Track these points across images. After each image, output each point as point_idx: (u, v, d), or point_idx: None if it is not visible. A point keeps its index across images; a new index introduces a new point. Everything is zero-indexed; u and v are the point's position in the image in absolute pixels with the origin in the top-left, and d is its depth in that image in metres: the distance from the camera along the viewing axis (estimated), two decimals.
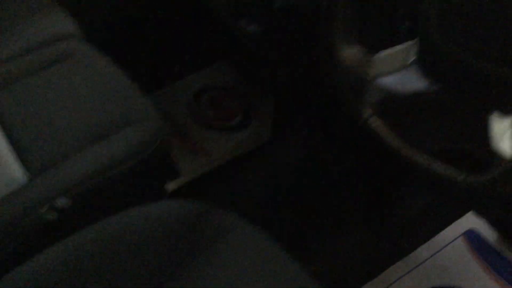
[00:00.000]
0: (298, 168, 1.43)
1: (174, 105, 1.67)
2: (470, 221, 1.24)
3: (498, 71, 0.45)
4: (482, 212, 1.08)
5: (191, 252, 0.72)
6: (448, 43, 0.48)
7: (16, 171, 0.84)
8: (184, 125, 1.62)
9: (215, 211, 0.76)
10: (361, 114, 0.54)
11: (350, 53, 0.56)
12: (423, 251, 1.22)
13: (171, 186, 1.37)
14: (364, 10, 0.58)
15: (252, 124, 1.62)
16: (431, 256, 1.21)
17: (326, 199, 1.32)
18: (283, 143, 1.51)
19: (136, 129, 0.94)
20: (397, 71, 0.53)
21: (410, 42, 0.53)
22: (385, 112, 0.54)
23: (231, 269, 0.71)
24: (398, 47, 0.54)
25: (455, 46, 0.47)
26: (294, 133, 1.57)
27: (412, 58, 0.52)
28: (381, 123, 0.54)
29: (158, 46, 1.68)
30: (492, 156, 0.46)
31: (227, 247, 0.73)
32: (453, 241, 1.23)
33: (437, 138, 0.53)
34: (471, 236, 1.23)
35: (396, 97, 0.54)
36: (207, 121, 1.64)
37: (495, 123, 0.47)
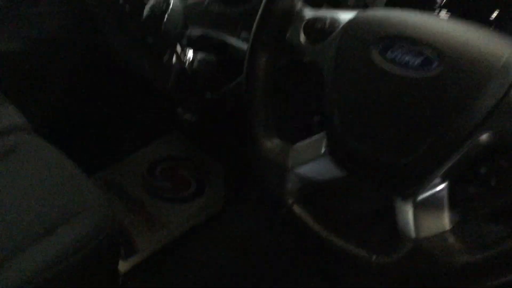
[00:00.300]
0: (252, 237, 1.46)
1: (128, 179, 1.68)
2: None
3: (393, 161, 0.50)
4: None
5: None
6: (350, 137, 0.53)
7: None
8: (139, 198, 1.64)
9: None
10: (284, 203, 0.59)
11: (270, 145, 0.61)
12: None
13: (126, 265, 1.38)
14: (281, 105, 0.64)
15: (206, 193, 1.65)
16: None
17: (278, 268, 1.35)
18: (237, 212, 1.54)
19: (84, 219, 0.96)
20: (313, 161, 0.58)
21: (321, 134, 0.58)
22: (306, 199, 0.59)
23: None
24: (312, 138, 0.59)
25: (355, 140, 0.53)
26: (246, 201, 1.61)
27: (324, 148, 0.57)
28: (302, 210, 0.58)
29: (109, 122, 1.71)
30: (398, 237, 0.51)
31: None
32: None
33: (351, 221, 0.58)
34: None
35: (314, 185, 0.59)
36: (161, 193, 1.66)
37: (397, 206, 0.52)
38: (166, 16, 0.74)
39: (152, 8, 0.76)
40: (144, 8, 1.02)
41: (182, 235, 1.52)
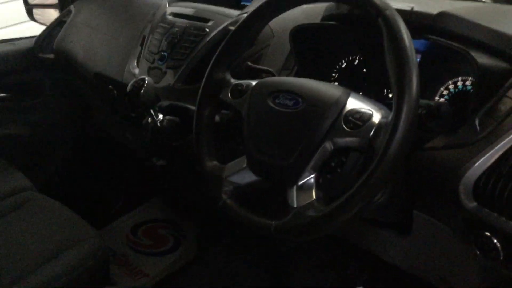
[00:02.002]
0: (221, 277, 1.73)
1: (115, 239, 1.96)
2: None
3: (281, 164, 0.83)
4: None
5: None
6: (258, 154, 0.86)
7: None
8: (124, 254, 1.91)
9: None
10: (221, 199, 0.90)
11: (211, 165, 0.94)
12: None
13: None
14: (218, 140, 0.97)
15: (181, 246, 1.93)
16: None
17: None
18: (208, 261, 1.82)
19: (80, 247, 1.24)
20: (239, 172, 0.91)
21: (243, 156, 0.91)
22: (235, 196, 0.90)
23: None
24: (238, 159, 0.92)
25: (261, 155, 0.86)
26: (216, 251, 1.89)
27: (245, 164, 0.90)
28: (233, 202, 0.89)
29: (99, 191, 2.02)
30: (287, 208, 0.82)
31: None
32: None
33: (262, 206, 0.90)
34: None
35: (240, 187, 0.90)
36: (143, 249, 1.94)
37: (287, 190, 0.84)
38: (142, 90, 1.09)
39: (133, 84, 1.11)
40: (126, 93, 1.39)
41: (160, 281, 1.78)
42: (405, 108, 0.71)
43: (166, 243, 1.96)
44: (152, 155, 1.23)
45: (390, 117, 0.74)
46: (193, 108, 1.16)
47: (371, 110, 0.78)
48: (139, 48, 1.42)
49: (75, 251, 1.22)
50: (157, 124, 1.14)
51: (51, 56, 1.76)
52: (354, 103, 0.81)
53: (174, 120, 1.18)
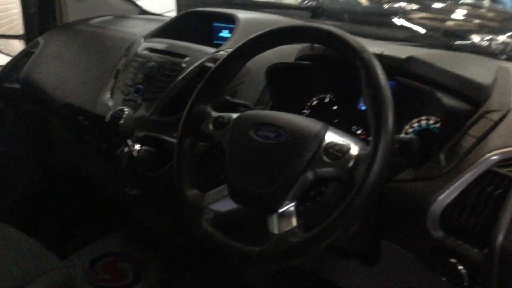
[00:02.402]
0: None
1: (75, 273, 1.91)
2: None
3: (263, 192, 0.87)
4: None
5: None
6: (240, 183, 0.90)
7: None
8: None
9: None
10: (201, 227, 0.93)
11: (191, 193, 0.97)
12: None
13: None
14: (198, 166, 1.01)
15: (142, 281, 1.90)
16: None
17: None
18: None
19: (46, 279, 1.21)
20: (220, 200, 0.94)
21: (224, 185, 0.94)
22: (216, 224, 0.93)
23: None
24: (219, 188, 0.95)
25: (243, 183, 0.90)
26: (179, 283, 1.87)
27: (226, 192, 0.93)
28: (214, 229, 0.92)
29: (61, 224, 1.98)
30: (268, 235, 0.86)
31: None
32: None
33: (243, 233, 0.93)
34: None
35: (221, 215, 0.94)
36: (103, 284, 1.90)
37: (268, 217, 0.88)
38: (122, 120, 1.12)
39: (113, 114, 1.13)
40: (98, 124, 1.40)
41: None
42: (382, 141, 0.78)
43: (125, 277, 1.92)
44: (126, 185, 1.24)
45: (368, 149, 0.80)
46: (169, 139, 1.20)
47: (349, 143, 0.84)
48: (113, 80, 1.44)
49: (40, 283, 1.19)
50: (133, 155, 1.16)
51: (17, 86, 1.75)
52: (332, 137, 0.86)
53: (151, 150, 1.20)
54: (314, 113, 1.20)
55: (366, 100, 0.82)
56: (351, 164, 0.81)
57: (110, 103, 1.37)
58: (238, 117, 0.96)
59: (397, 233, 0.99)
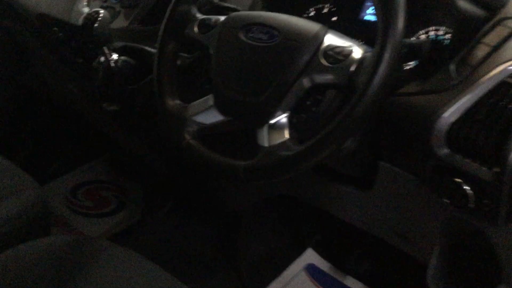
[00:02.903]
0: (167, 241, 1.66)
1: (53, 199, 1.84)
2: (309, 256, 1.55)
3: (253, 101, 0.78)
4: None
5: (69, 278, 0.91)
6: (227, 91, 0.80)
7: None
8: (62, 215, 1.79)
9: (86, 240, 0.97)
10: (183, 139, 0.84)
11: (173, 103, 0.87)
12: (273, 285, 1.48)
13: None
14: (183, 78, 0.90)
15: (125, 209, 1.84)
16: None
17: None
18: (152, 224, 1.74)
19: (15, 199, 1.13)
20: (205, 111, 0.85)
21: (210, 95, 0.85)
22: (199, 137, 0.84)
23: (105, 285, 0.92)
24: (204, 98, 0.86)
25: (230, 91, 0.80)
26: (162, 214, 1.82)
27: (212, 103, 0.84)
28: (197, 142, 0.83)
29: (37, 147, 1.88)
30: (257, 148, 0.77)
31: (100, 268, 0.94)
32: (296, 275, 1.51)
33: (229, 147, 0.84)
34: (311, 269, 1.53)
35: (205, 127, 0.85)
36: (83, 210, 1.83)
37: (257, 130, 0.79)
38: (97, 23, 1.00)
39: (86, 17, 1.01)
40: (73, 35, 1.28)
41: None
42: (390, 43, 0.68)
43: (108, 205, 1.86)
44: (104, 99, 1.13)
45: (373, 52, 0.70)
46: (150, 49, 1.09)
47: (351, 45, 0.74)
48: None
49: (14, 200, 1.11)
50: (110, 65, 1.05)
51: None
52: (332, 39, 0.76)
53: (130, 61, 1.09)
54: None
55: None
56: (352, 68, 0.72)
57: (86, 11, 1.25)
58: (226, 18, 0.85)
59: (397, 153, 0.91)
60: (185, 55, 1.05)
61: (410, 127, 0.83)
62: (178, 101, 0.88)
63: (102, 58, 1.06)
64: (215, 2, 0.98)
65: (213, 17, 0.88)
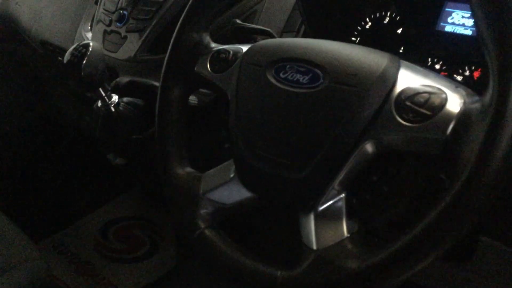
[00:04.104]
0: None
1: (79, 243, 1.64)
2: None
3: (292, 176, 0.52)
4: None
5: None
6: (253, 158, 0.55)
7: None
8: (90, 261, 1.59)
9: None
10: (196, 228, 0.59)
11: (182, 173, 0.62)
12: None
13: None
14: (193, 137, 0.66)
15: (159, 252, 1.62)
16: None
17: None
18: (189, 270, 1.51)
19: (19, 271, 0.93)
20: (223, 185, 0.59)
21: (230, 160, 0.59)
22: (217, 223, 0.59)
23: None
24: (221, 165, 0.60)
25: (258, 159, 0.54)
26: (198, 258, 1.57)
27: (233, 173, 0.58)
28: (215, 234, 0.58)
29: (58, 185, 1.69)
30: (301, 250, 0.51)
31: None
32: None
33: (259, 241, 0.58)
34: None
35: (225, 209, 0.59)
36: (114, 254, 1.62)
37: (300, 219, 0.53)
38: (85, 60, 0.76)
39: (72, 52, 0.78)
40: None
41: None
42: None
43: (141, 246, 1.64)
44: (107, 151, 0.90)
45: (485, 100, 0.42)
46: None
47: (443, 90, 0.46)
48: (94, 7, 1.08)
49: (12, 277, 0.91)
50: (110, 109, 0.82)
51: None
52: (410, 78, 0.49)
53: (135, 103, 0.85)
54: (368, 42, 0.82)
55: (475, 7, 0.44)
56: (450, 129, 0.44)
57: (89, 37, 1.02)
58: (247, 50, 0.59)
59: (500, 226, 0.63)
60: (203, 90, 0.80)
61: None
62: (188, 169, 0.63)
63: (99, 103, 0.82)
64: (237, 23, 0.73)
65: (232, 48, 0.63)
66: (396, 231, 0.50)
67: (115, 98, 0.83)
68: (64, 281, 1.47)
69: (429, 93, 0.46)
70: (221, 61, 0.62)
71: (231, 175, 0.59)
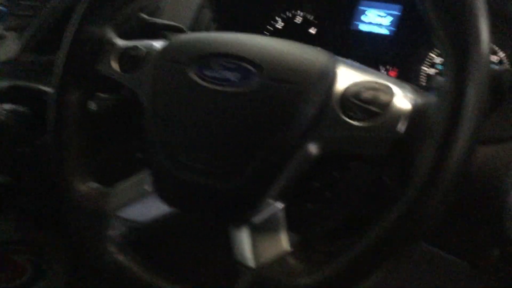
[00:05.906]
0: None
1: None
2: None
3: (222, 186, 0.45)
4: None
5: None
6: (174, 167, 0.47)
7: None
8: None
9: None
10: (105, 253, 0.50)
11: (85, 190, 0.53)
12: None
13: None
14: (97, 145, 0.57)
15: (46, 279, 1.45)
16: None
17: None
18: None
19: None
20: (137, 201, 0.51)
21: (144, 171, 0.51)
22: (131, 246, 0.51)
23: None
24: (134, 177, 0.52)
25: (180, 168, 0.47)
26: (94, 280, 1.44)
27: (148, 186, 0.50)
28: (128, 259, 0.50)
29: None
30: (236, 269, 0.45)
31: None
32: None
33: (186, 262, 0.51)
34: None
35: (139, 229, 0.51)
36: None
37: (233, 234, 0.47)
38: None
39: None
40: None
41: None
42: (474, 74, 0.37)
43: (22, 274, 1.45)
44: None
45: (441, 97, 0.39)
46: (50, 90, 0.73)
47: (389, 86, 0.43)
48: None
49: None
50: None
51: None
52: (352, 75, 0.45)
53: (19, 110, 0.73)
54: None
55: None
56: (401, 127, 0.41)
57: None
58: (167, 45, 0.52)
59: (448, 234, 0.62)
60: (103, 95, 0.70)
61: (469, 196, 0.53)
62: (92, 184, 0.54)
63: None
64: (143, 18, 0.65)
65: (143, 44, 0.55)
66: (340, 241, 0.46)
67: None
68: None
69: (376, 89, 0.42)
70: (132, 59, 0.54)
71: (146, 188, 0.51)
